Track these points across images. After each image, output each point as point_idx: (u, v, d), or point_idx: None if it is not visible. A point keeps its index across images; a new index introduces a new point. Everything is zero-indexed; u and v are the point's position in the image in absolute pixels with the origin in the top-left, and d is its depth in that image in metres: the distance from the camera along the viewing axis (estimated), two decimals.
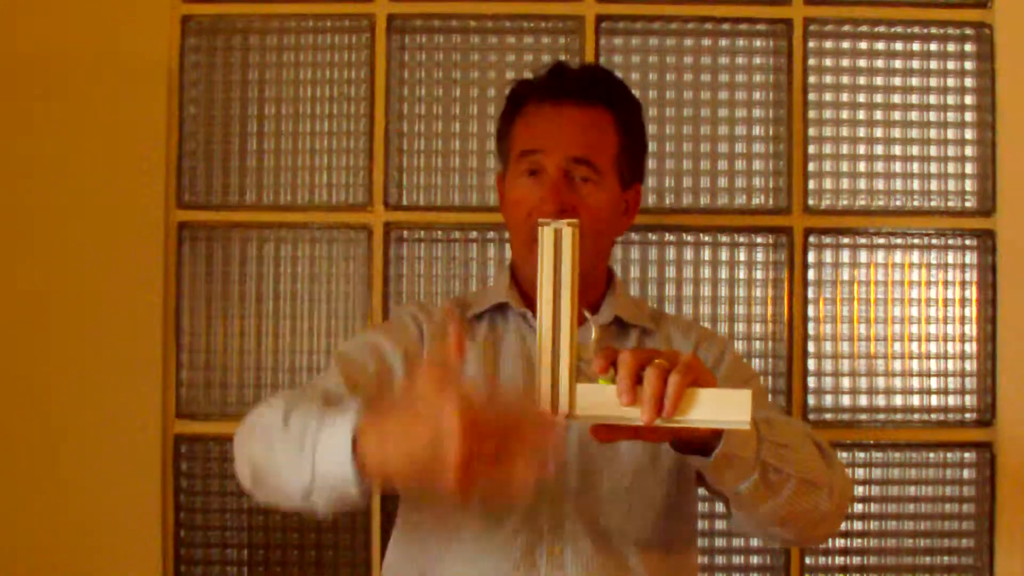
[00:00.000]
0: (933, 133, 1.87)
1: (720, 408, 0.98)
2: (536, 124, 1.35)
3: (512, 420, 0.91)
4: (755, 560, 1.83)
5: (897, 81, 1.87)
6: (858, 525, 1.84)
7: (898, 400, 1.85)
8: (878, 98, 1.87)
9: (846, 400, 1.85)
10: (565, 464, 1.27)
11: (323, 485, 1.02)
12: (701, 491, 1.37)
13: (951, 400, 1.85)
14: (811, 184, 1.85)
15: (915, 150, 1.87)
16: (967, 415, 1.85)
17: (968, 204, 1.87)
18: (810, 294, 1.85)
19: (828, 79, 1.87)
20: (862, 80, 1.87)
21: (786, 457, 1.13)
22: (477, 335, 1.36)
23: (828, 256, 1.86)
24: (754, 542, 1.83)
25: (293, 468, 1.04)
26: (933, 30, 1.87)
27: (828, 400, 1.85)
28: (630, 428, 1.00)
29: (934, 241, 1.86)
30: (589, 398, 1.00)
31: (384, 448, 0.95)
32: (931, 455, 1.85)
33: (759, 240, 1.86)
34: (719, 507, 1.82)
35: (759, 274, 1.86)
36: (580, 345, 1.02)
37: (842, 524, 1.32)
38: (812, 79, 1.86)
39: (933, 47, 1.87)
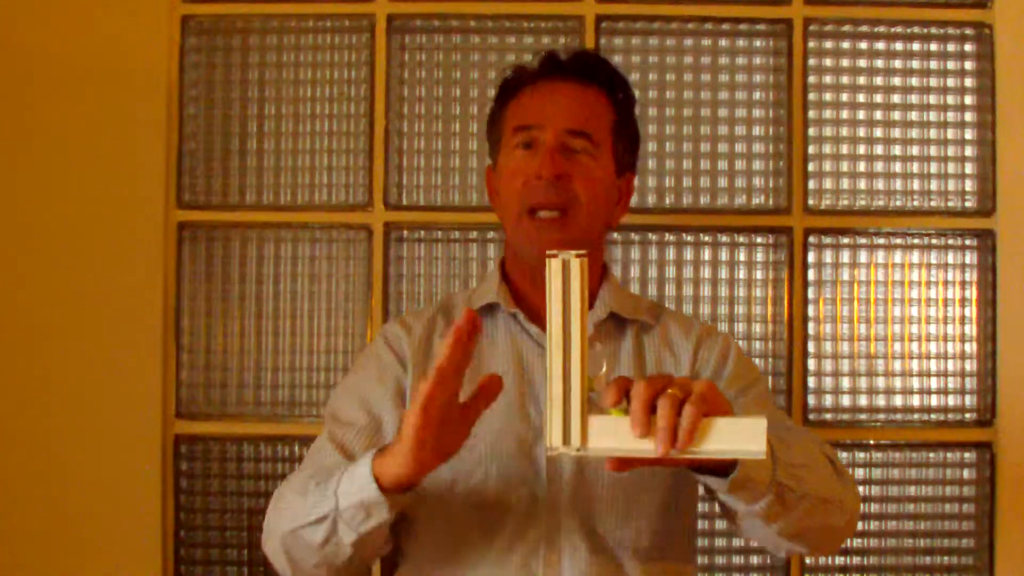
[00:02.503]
0: (933, 133, 1.87)
1: (735, 437, 0.96)
2: (531, 101, 1.34)
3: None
4: (755, 560, 1.83)
5: (897, 81, 1.87)
6: (858, 525, 1.83)
7: (898, 400, 1.85)
8: (878, 98, 1.87)
9: (846, 400, 1.85)
10: (560, 471, 1.26)
11: (347, 507, 1.11)
12: (700, 491, 1.37)
13: (951, 400, 1.85)
14: (811, 184, 1.85)
15: (915, 150, 1.87)
16: (967, 415, 1.85)
17: (968, 204, 1.87)
18: (810, 294, 1.85)
19: (828, 79, 1.87)
20: (862, 80, 1.87)
21: (802, 477, 1.12)
22: None
23: (828, 256, 1.86)
24: (754, 542, 1.83)
25: (316, 508, 1.14)
26: (933, 30, 1.87)
27: (828, 400, 1.85)
28: (645, 458, 0.99)
29: (934, 241, 1.86)
30: (602, 430, 0.99)
31: (392, 460, 1.08)
32: (931, 455, 1.85)
33: (759, 240, 1.86)
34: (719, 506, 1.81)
35: (759, 274, 1.86)
36: (591, 377, 1.02)
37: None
38: (812, 79, 1.86)
39: (933, 47, 1.88)
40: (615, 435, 0.99)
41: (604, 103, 1.34)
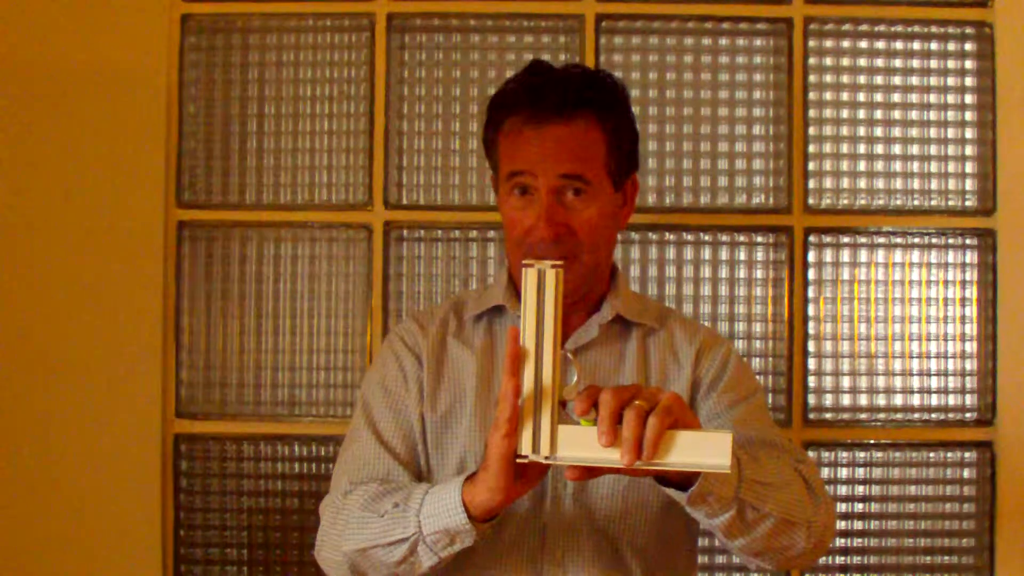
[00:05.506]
0: (933, 133, 1.87)
1: (700, 451, 0.98)
2: (520, 146, 1.30)
3: None
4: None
5: (897, 81, 1.87)
6: (858, 525, 1.84)
7: (898, 400, 1.85)
8: (878, 98, 1.87)
9: (846, 400, 1.85)
10: (563, 470, 1.26)
11: (430, 532, 1.14)
12: None
13: (951, 400, 1.85)
14: (811, 184, 1.85)
15: (915, 150, 1.87)
16: (967, 415, 1.85)
17: (968, 204, 1.87)
18: (810, 294, 1.85)
19: (828, 79, 1.87)
20: (862, 80, 1.87)
21: (766, 496, 1.13)
22: (474, 338, 1.36)
23: (828, 256, 1.86)
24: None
25: (394, 531, 1.16)
26: (933, 30, 1.87)
27: (828, 400, 1.85)
28: (610, 468, 1.01)
29: (934, 241, 1.86)
30: (570, 440, 1.02)
31: (482, 487, 1.11)
32: (931, 455, 1.85)
33: (759, 240, 1.86)
34: None
35: (759, 274, 1.86)
36: (563, 386, 1.03)
37: (834, 535, 1.32)
38: (812, 79, 1.86)
39: (933, 47, 1.88)
40: (583, 445, 1.01)
41: (594, 132, 1.30)
